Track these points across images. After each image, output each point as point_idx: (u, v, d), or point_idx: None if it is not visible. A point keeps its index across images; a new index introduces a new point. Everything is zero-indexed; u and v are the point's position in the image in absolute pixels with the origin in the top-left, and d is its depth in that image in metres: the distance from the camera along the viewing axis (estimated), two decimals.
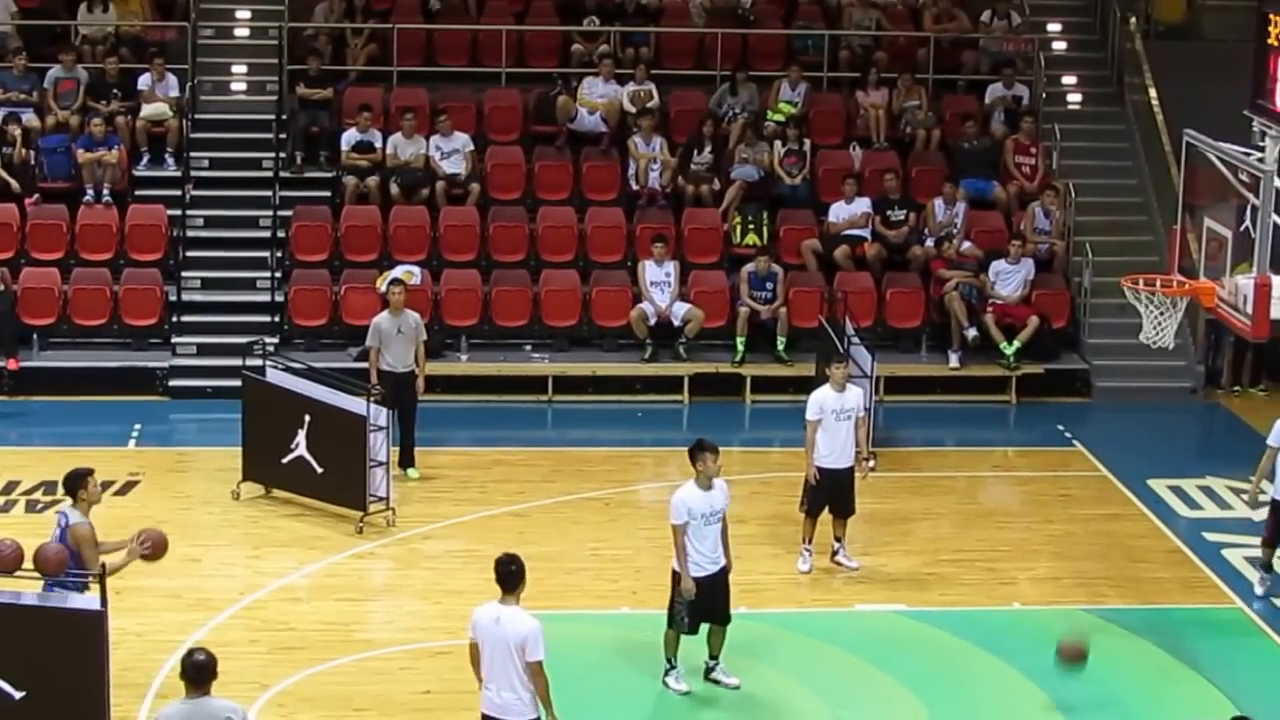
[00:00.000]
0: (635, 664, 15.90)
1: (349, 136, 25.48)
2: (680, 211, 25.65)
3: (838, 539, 18.41)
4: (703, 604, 15.34)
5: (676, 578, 15.37)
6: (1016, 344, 24.39)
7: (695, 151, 25.98)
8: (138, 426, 22.41)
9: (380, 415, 19.30)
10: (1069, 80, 28.31)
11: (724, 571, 15.53)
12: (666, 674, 15.62)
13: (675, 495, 15.30)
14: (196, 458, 21.72)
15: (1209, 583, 18.58)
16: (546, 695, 12.80)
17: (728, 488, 15.58)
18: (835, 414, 17.97)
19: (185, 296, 24.60)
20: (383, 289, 23.02)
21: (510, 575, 13.01)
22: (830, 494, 18.15)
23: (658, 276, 24.36)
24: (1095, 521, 20.11)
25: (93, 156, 24.86)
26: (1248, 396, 25.18)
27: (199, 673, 11.91)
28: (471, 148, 25.71)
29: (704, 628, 15.68)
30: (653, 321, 24.25)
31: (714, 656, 15.79)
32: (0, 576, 14.01)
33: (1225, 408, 24.77)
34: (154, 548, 14.49)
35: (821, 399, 18.04)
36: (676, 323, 24.28)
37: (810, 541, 18.35)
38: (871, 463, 18.97)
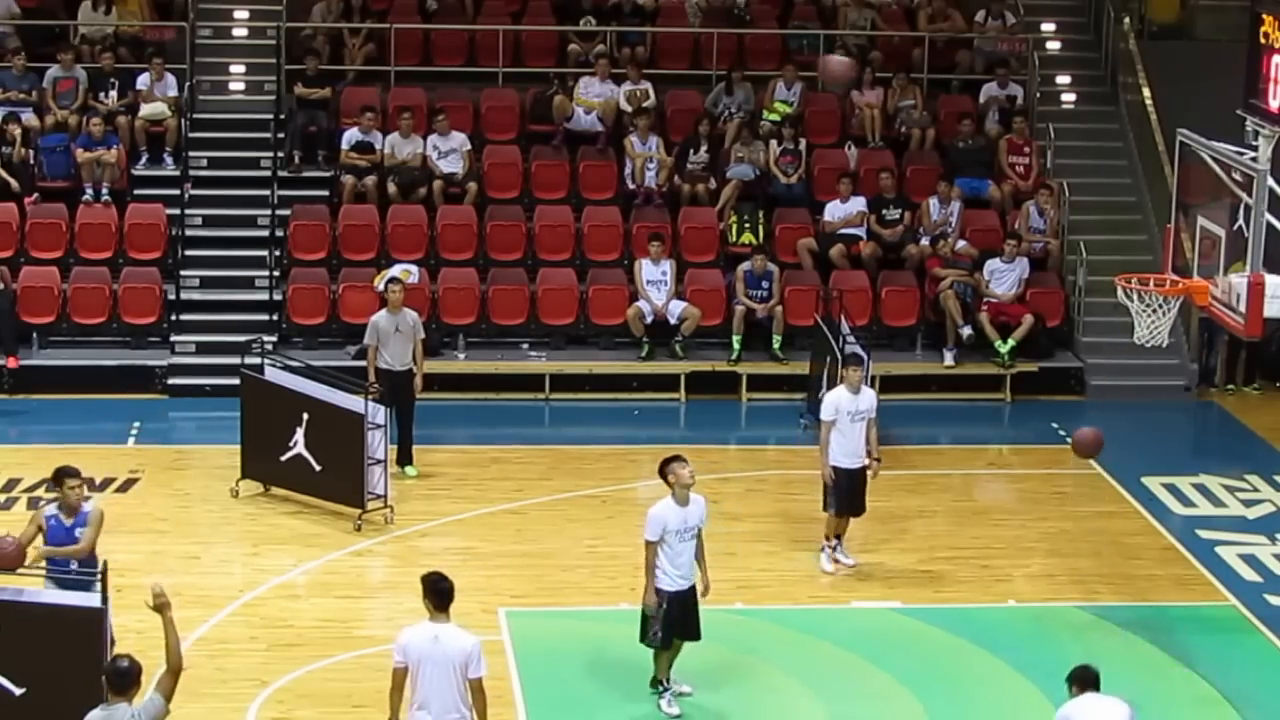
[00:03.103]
0: (633, 661, 15.91)
1: (350, 135, 25.52)
2: (676, 210, 25.70)
3: (838, 536, 18.48)
4: (678, 620, 15.24)
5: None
6: (1011, 342, 24.45)
7: (691, 151, 26.05)
8: (137, 424, 22.46)
9: (378, 413, 19.35)
10: (1063, 80, 28.36)
11: (693, 589, 15.32)
12: (660, 696, 15.47)
13: (652, 510, 15.08)
14: (195, 455, 21.76)
15: (1203, 580, 18.62)
16: (485, 713, 12.56)
17: (705, 504, 15.36)
18: (850, 415, 18.01)
19: (184, 295, 24.64)
20: (381, 287, 23.08)
21: (444, 593, 12.69)
22: (847, 492, 18.22)
23: (654, 275, 24.42)
24: (1089, 519, 20.18)
25: (92, 156, 24.91)
26: (1241, 395, 25.24)
27: (120, 679, 11.65)
28: (469, 147, 25.77)
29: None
30: (649, 320, 24.30)
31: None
32: (2, 573, 14.09)
33: (1219, 406, 24.82)
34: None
35: (837, 400, 18.07)
36: (673, 321, 24.33)
37: (841, 540, 18.41)
38: (880, 462, 18.91)
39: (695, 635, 15.43)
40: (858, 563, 18.50)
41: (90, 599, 13.77)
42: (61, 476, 14.84)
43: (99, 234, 24.73)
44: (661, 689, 15.46)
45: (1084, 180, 26.53)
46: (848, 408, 18.02)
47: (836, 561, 18.48)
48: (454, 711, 12.48)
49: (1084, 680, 13.11)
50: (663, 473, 15.21)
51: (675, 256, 24.89)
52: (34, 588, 14.22)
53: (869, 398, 18.24)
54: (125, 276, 24.41)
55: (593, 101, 26.40)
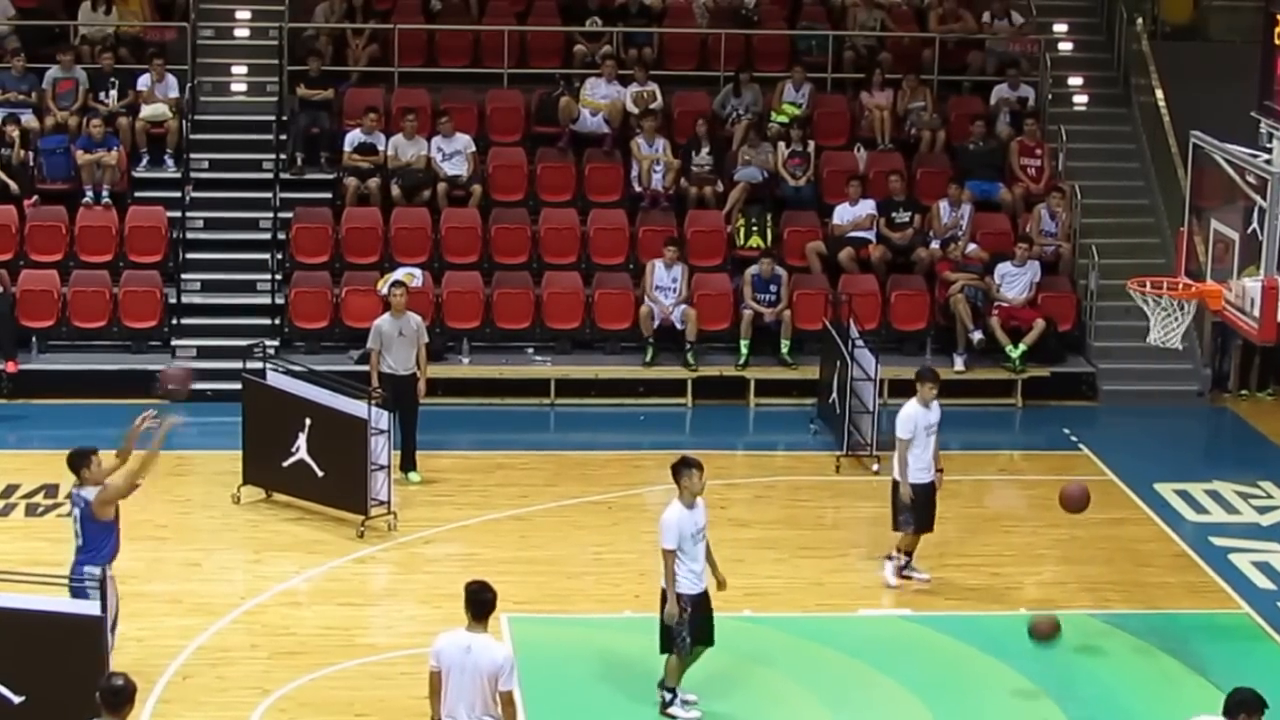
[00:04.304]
0: (638, 668, 15.80)
1: (353, 137, 25.39)
2: (683, 213, 25.54)
3: (908, 553, 18.24)
4: (700, 623, 15.12)
5: (666, 599, 15.10)
6: (1022, 347, 24.29)
7: (698, 153, 25.88)
8: None
9: (381, 418, 19.22)
10: (1075, 81, 28.21)
11: (707, 590, 15.20)
12: (669, 705, 15.29)
13: (665, 518, 14.93)
14: (196, 461, 21.55)
15: (1215, 587, 18.51)
16: None
17: (704, 502, 15.21)
18: (926, 430, 17.86)
19: (185, 299, 24.50)
20: (384, 291, 22.91)
21: (483, 603, 12.59)
22: (924, 507, 18.01)
23: (664, 281, 24.22)
24: (1101, 526, 19.98)
25: (92, 157, 24.77)
26: (1255, 400, 25.12)
27: (115, 698, 11.41)
28: (473, 149, 25.63)
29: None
30: (657, 324, 24.13)
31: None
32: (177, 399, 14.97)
33: (1232, 411, 24.70)
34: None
35: (914, 415, 17.85)
36: (679, 326, 24.17)
37: (912, 556, 18.20)
38: (942, 472, 18.68)
39: (711, 639, 15.30)
40: (931, 577, 18.27)
41: (90, 607, 13.72)
42: (83, 456, 14.79)
43: (99, 237, 24.58)
44: (671, 696, 15.30)
45: (1096, 183, 26.41)
46: (923, 422, 17.86)
47: (906, 577, 18.23)
48: None
49: (1237, 703, 11.87)
50: (676, 474, 15.04)
51: (682, 260, 24.69)
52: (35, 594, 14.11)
53: (938, 410, 18.10)
54: (125, 280, 24.26)
55: (599, 103, 26.25)
